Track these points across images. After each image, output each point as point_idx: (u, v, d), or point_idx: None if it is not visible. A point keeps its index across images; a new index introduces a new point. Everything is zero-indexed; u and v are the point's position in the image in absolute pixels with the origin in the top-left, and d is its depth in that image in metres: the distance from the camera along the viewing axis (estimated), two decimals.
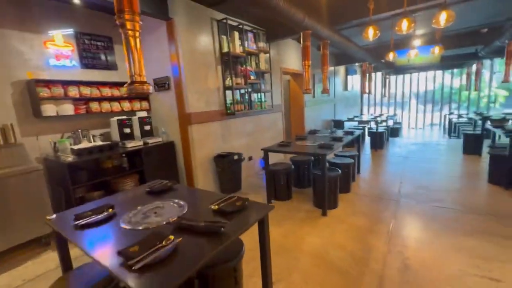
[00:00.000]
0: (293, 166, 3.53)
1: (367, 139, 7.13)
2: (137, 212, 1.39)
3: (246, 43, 4.04)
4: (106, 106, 3.44)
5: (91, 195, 2.89)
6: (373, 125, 7.06)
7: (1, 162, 2.55)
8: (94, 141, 3.33)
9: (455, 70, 10.00)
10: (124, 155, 3.24)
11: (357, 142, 4.44)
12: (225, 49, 3.75)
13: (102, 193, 2.99)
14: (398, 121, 9.86)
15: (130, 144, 3.33)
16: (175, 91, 3.46)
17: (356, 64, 9.05)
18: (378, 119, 6.23)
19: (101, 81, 3.41)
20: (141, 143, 3.46)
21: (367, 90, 6.36)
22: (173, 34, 3.25)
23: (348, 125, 7.74)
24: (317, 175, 2.97)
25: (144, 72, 1.30)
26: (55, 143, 2.97)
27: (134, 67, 1.26)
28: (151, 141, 3.57)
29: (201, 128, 3.59)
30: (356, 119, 6.41)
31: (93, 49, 3.47)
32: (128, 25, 1.21)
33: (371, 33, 2.93)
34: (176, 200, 1.53)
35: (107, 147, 3.18)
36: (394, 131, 8.06)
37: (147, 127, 3.68)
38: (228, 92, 3.96)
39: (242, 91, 4.26)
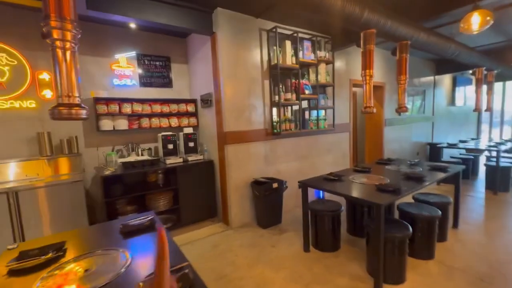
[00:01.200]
0: (343, 207, 2.66)
1: (482, 172, 5.10)
2: None
3: (300, 53, 3.49)
4: (155, 122, 3.57)
5: (123, 209, 2.96)
6: (492, 154, 4.99)
7: (62, 169, 2.92)
8: (142, 155, 3.49)
9: None
10: (160, 171, 3.23)
11: (455, 179, 3.06)
12: (275, 61, 3.32)
13: (134, 208, 3.03)
14: None
15: (169, 161, 3.31)
16: (215, 108, 3.26)
17: (470, 71, 6.86)
18: (502, 146, 4.28)
19: (153, 98, 3.58)
20: (180, 160, 3.40)
21: (482, 106, 4.54)
22: (215, 49, 3.08)
23: (449, 152, 5.84)
24: (370, 228, 2.08)
25: (76, 93, 1.02)
26: (106, 155, 3.24)
27: (62, 86, 0.99)
28: (191, 158, 3.48)
29: (239, 149, 3.24)
30: (462, 145, 4.65)
31: (152, 68, 3.71)
32: (55, 34, 0.97)
33: (476, 21, 1.88)
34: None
35: (149, 162, 3.25)
36: None
37: (191, 144, 3.61)
38: (276, 109, 3.49)
39: (296, 107, 3.70)
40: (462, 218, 3.17)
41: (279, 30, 3.33)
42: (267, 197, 3.11)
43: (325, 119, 3.97)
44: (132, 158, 3.32)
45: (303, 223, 2.57)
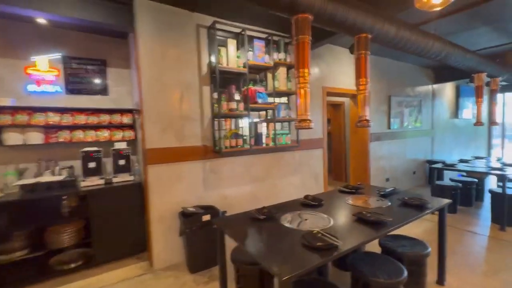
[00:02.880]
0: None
1: (487, 200, 4.22)
2: None
3: (250, 54, 2.90)
4: (78, 135, 3.01)
5: (9, 248, 2.33)
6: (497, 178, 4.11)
7: None
8: (60, 174, 2.91)
9: None
10: (67, 196, 2.62)
11: (440, 217, 2.28)
12: (220, 63, 2.72)
13: (23, 245, 2.39)
14: None
15: (85, 183, 2.71)
16: (140, 119, 2.67)
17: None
18: (507, 169, 3.43)
19: (76, 108, 3.03)
20: (100, 181, 2.80)
21: (483, 119, 3.75)
22: (136, 48, 2.52)
23: (450, 174, 5.02)
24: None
25: None
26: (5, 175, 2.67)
27: None
28: (118, 179, 2.87)
29: (166, 170, 2.61)
30: (462, 165, 3.82)
31: (82, 73, 3.19)
32: None
33: None
34: None
35: (59, 184, 2.66)
36: None
37: (122, 162, 3.02)
38: (219, 122, 2.87)
39: (248, 120, 3.06)
40: (453, 268, 2.39)
41: (220, 27, 2.76)
42: (194, 232, 2.44)
43: (287, 134, 3.31)
44: (46, 178, 2.75)
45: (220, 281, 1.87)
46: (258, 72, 3.16)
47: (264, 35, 3.08)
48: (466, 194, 4.11)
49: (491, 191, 3.52)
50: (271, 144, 3.12)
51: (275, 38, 3.14)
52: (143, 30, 2.45)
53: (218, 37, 2.77)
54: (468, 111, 7.00)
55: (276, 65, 3.13)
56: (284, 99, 3.43)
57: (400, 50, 2.53)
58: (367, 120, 2.07)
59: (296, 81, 1.75)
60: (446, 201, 2.13)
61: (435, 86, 5.98)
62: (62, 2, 2.29)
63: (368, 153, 4.55)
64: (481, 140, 7.87)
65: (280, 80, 3.17)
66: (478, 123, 4.30)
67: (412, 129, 5.46)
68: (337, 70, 4.03)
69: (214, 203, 2.87)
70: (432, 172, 3.91)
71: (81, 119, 3.01)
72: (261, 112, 3.26)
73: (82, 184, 2.69)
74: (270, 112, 3.24)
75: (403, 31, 2.23)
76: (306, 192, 3.64)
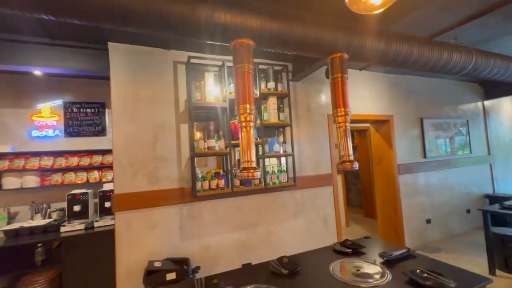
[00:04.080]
0: None
1: None
2: None
3: (232, 86, 2.66)
4: (70, 177, 3.05)
5: None
6: None
7: None
8: (51, 217, 2.94)
9: None
10: (40, 244, 2.55)
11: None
12: (196, 99, 2.54)
13: None
14: None
15: (65, 228, 2.64)
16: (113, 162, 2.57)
17: None
18: None
19: (66, 150, 3.11)
20: (81, 226, 2.70)
21: None
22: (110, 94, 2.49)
23: None
24: None
25: None
26: None
27: None
28: (100, 224, 2.75)
29: (136, 217, 2.39)
30: None
31: (81, 117, 3.33)
32: None
33: None
34: None
35: (42, 229, 2.64)
36: None
37: (109, 204, 2.93)
38: (204, 160, 2.62)
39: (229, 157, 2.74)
40: None
41: (198, 61, 2.62)
42: None
43: (283, 171, 2.87)
44: (34, 222, 2.78)
45: None
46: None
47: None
48: None
49: None
50: (259, 183, 2.71)
51: (262, 66, 2.87)
52: (116, 73, 2.43)
53: (196, 72, 2.62)
54: None
55: (264, 96, 2.82)
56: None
57: (405, 67, 2.01)
58: (351, 162, 1.58)
59: (237, 119, 1.40)
60: (487, 279, 1.42)
61: (487, 103, 4.91)
62: (46, 56, 2.42)
63: (396, 188, 3.75)
64: None
65: (270, 111, 2.83)
66: None
67: (460, 156, 4.44)
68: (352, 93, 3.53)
69: (193, 255, 2.52)
70: (485, 216, 2.95)
71: (74, 161, 3.07)
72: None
73: (62, 229, 2.62)
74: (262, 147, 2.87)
75: (398, 44, 1.75)
76: (312, 240, 3.07)
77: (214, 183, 2.55)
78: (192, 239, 2.56)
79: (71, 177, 3.06)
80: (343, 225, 4.92)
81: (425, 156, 4.07)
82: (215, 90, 2.61)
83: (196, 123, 2.64)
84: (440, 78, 4.40)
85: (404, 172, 3.87)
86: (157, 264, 2.21)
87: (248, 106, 1.36)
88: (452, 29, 2.39)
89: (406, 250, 1.78)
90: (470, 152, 4.58)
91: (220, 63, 2.66)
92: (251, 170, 1.34)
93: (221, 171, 2.66)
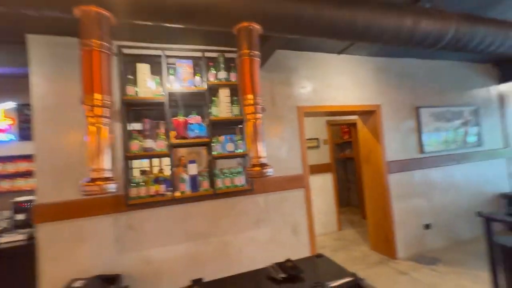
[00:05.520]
0: None
1: None
2: None
3: (172, 78, 2.32)
4: (21, 183, 2.88)
5: None
6: None
7: None
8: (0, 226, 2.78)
9: None
10: None
11: None
12: (130, 94, 2.24)
13: None
14: None
15: (3, 239, 2.45)
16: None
17: None
18: None
19: (22, 155, 2.94)
20: (21, 237, 2.49)
21: None
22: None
23: None
24: None
25: None
26: None
27: None
28: (5, 240, 2.42)
29: (64, 229, 2.13)
30: None
31: None
32: None
33: None
34: None
35: None
36: None
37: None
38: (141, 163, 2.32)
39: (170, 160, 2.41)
40: None
41: (131, 51, 2.30)
42: None
43: (238, 173, 2.50)
44: None
45: None
46: (194, 99, 2.52)
47: (199, 54, 2.47)
48: None
49: None
50: (208, 189, 2.36)
51: (211, 54, 2.50)
52: (36, 68, 2.17)
53: (130, 64, 2.31)
54: None
55: (214, 88, 2.45)
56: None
57: (349, 40, 1.56)
58: (262, 166, 1.19)
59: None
60: None
61: (503, 86, 4.20)
62: None
63: (386, 189, 3.25)
64: None
65: (221, 105, 2.46)
66: None
67: (468, 150, 3.81)
68: (321, 83, 3.07)
69: (132, 271, 2.23)
70: (487, 224, 2.40)
71: (22, 166, 2.89)
72: (199, 148, 2.57)
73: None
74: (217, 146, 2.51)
75: (333, 10, 1.31)
76: (278, 251, 2.68)
77: (153, 189, 2.24)
78: (131, 252, 2.27)
79: (20, 183, 2.89)
80: (334, 230, 4.47)
81: (422, 151, 3.51)
82: (152, 84, 2.29)
83: (131, 121, 2.34)
84: (443, 59, 3.78)
85: (396, 170, 3.34)
86: (76, 285, 1.94)
87: (99, 96, 1.01)
88: None
89: (351, 279, 1.36)
90: (481, 145, 3.92)
91: (158, 52, 2.33)
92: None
93: (162, 175, 2.34)
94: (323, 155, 4.55)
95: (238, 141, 2.48)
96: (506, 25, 1.82)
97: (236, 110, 2.50)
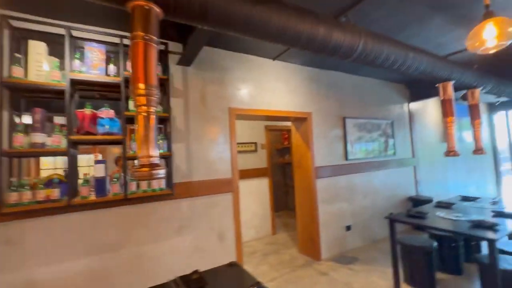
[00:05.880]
0: None
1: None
2: None
3: (77, 63, 1.98)
4: None
5: None
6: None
7: None
8: None
9: None
10: None
11: None
12: (15, 76, 1.81)
13: None
14: None
15: None
16: None
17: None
18: (501, 226, 2.18)
19: None
20: None
21: (453, 144, 2.60)
22: None
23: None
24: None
25: None
26: None
27: None
28: None
29: None
30: (441, 214, 2.60)
31: None
32: None
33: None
34: None
35: None
36: None
37: None
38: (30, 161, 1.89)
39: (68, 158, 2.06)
40: None
41: (19, 25, 1.89)
42: None
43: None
44: None
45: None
46: (107, 90, 2.21)
47: (116, 39, 2.18)
48: (450, 254, 2.83)
49: (475, 259, 2.26)
50: (118, 193, 2.07)
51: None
52: None
53: (20, 40, 1.89)
54: (468, 133, 5.77)
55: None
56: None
57: (266, 39, 1.52)
58: (152, 166, 1.03)
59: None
60: None
61: (412, 105, 4.89)
62: None
63: (314, 194, 3.39)
64: (488, 168, 6.50)
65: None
66: (478, 151, 3.18)
67: (384, 158, 4.29)
68: (255, 86, 3.07)
69: None
70: (390, 224, 2.67)
71: None
72: (111, 147, 2.27)
73: None
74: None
75: (244, 5, 1.25)
76: (201, 260, 2.50)
77: (42, 194, 1.84)
78: (8, 274, 1.82)
79: None
80: (268, 234, 4.50)
81: (347, 158, 3.80)
82: (49, 66, 1.91)
83: (21, 111, 1.91)
84: (366, 76, 4.20)
85: (323, 176, 3.53)
86: None
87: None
88: (352, 7, 2.04)
89: None
90: (395, 154, 4.47)
91: (60, 30, 1.96)
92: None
93: (56, 177, 1.96)
94: (260, 159, 4.58)
95: (159, 141, 2.26)
96: (407, 48, 2.06)
97: (158, 107, 2.27)
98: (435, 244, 2.63)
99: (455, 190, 5.45)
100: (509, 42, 1.60)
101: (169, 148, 2.29)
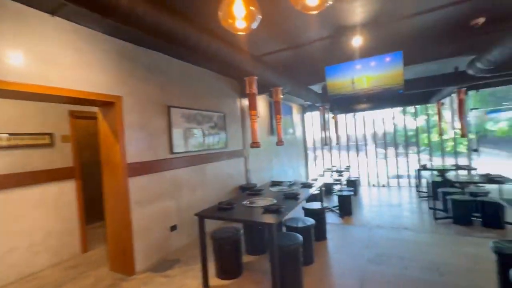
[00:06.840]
0: None
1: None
2: None
3: None
4: None
5: None
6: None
7: None
8: None
9: (418, 107, 7.32)
10: None
11: None
12: None
13: None
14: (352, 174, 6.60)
15: None
16: None
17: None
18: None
19: None
20: None
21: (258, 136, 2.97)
22: None
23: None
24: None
25: None
26: None
27: None
28: None
29: None
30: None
31: None
32: None
33: None
34: None
35: None
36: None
37: None
38: None
39: None
40: None
41: None
42: None
43: None
44: None
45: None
46: None
47: None
48: (257, 237, 3.11)
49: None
50: None
51: None
52: None
53: None
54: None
55: None
56: None
57: None
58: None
59: None
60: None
61: (245, 100, 5.27)
62: None
63: (125, 195, 2.78)
64: (300, 155, 8.29)
65: None
66: (279, 142, 3.58)
67: (216, 151, 4.31)
68: (25, 51, 2.03)
69: None
70: (200, 221, 2.56)
71: None
72: None
73: None
74: None
75: None
76: None
77: None
78: None
79: None
80: (75, 254, 3.44)
81: (172, 152, 3.44)
82: None
83: None
84: (197, 65, 4.00)
85: (141, 173, 2.98)
86: None
87: None
88: None
89: None
90: (227, 147, 4.62)
91: None
92: None
93: None
94: (61, 156, 3.39)
95: None
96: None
97: None
98: (241, 231, 2.75)
99: (278, 175, 6.52)
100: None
101: None
